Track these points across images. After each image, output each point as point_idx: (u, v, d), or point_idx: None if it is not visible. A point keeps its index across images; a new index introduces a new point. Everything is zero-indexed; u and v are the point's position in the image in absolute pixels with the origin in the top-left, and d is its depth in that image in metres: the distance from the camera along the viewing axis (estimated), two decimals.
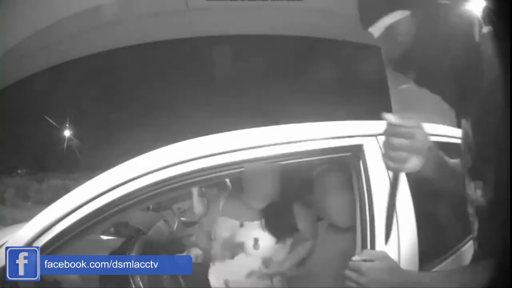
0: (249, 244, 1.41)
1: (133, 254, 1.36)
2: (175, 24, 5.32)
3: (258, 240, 1.41)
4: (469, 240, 1.02)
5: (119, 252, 1.49)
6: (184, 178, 1.02)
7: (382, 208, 1.00)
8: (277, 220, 1.45)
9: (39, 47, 5.13)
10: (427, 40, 0.72)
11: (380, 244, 0.97)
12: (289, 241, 1.46)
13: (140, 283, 1.29)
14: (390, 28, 0.74)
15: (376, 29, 0.76)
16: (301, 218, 1.46)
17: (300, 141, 1.06)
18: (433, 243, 1.09)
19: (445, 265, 1.07)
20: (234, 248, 1.43)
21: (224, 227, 1.48)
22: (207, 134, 1.09)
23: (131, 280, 1.28)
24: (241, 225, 1.46)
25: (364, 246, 1.01)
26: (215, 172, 1.04)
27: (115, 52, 6.12)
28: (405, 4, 0.73)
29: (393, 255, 0.95)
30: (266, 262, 1.41)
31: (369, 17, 0.77)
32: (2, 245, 1.09)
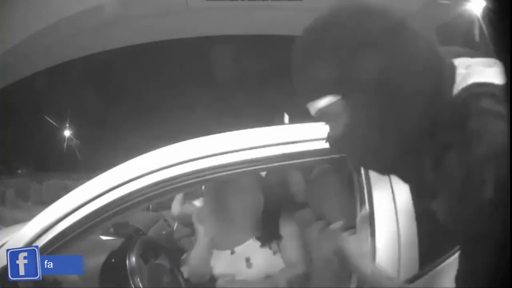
0: (243, 266, 1.34)
1: (132, 254, 1.36)
2: (175, 24, 5.32)
3: (250, 259, 1.34)
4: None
5: (118, 252, 1.49)
6: (185, 178, 1.02)
7: (382, 208, 1.00)
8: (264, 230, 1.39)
9: (39, 47, 5.14)
10: (364, 125, 0.65)
11: (380, 244, 0.97)
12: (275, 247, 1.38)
13: (140, 284, 1.29)
14: (322, 112, 0.68)
15: (311, 109, 0.70)
16: (287, 232, 1.38)
17: (300, 142, 1.06)
18: (433, 243, 1.09)
19: (446, 265, 1.07)
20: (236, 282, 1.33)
21: (220, 263, 1.37)
22: (206, 134, 1.09)
23: (131, 280, 1.28)
24: (232, 253, 1.38)
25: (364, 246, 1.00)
26: (216, 172, 1.03)
27: (115, 52, 6.12)
28: (334, 89, 0.65)
29: (393, 255, 0.96)
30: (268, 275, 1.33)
31: (302, 97, 0.71)
32: (2, 245, 1.09)
